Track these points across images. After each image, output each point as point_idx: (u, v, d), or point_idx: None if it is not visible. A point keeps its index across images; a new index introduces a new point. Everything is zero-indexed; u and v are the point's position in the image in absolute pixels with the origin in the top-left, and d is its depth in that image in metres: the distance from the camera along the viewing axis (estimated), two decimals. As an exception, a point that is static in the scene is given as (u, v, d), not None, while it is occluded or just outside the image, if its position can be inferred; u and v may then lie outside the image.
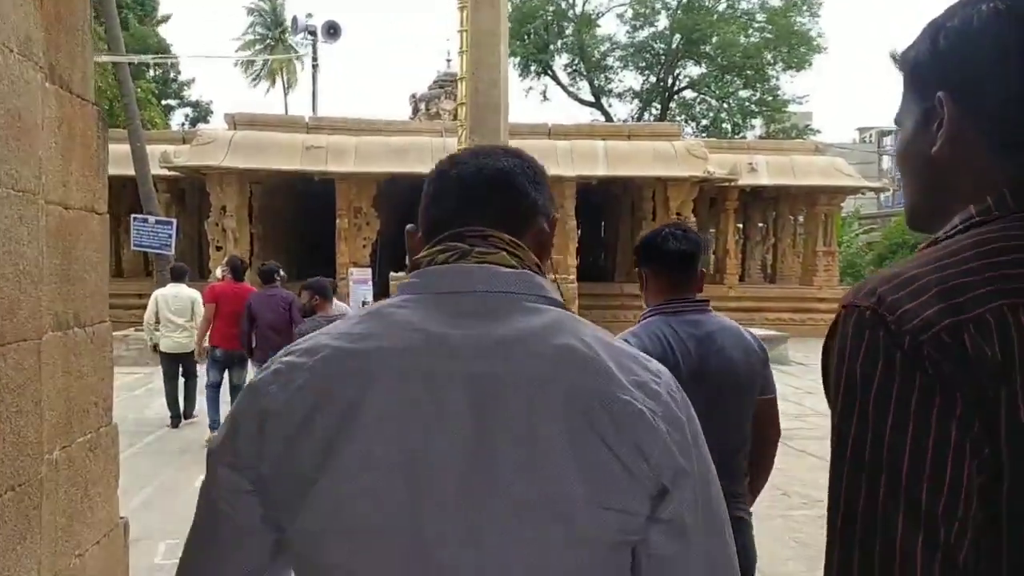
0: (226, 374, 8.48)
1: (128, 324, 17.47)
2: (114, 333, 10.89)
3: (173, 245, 15.61)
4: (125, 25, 24.66)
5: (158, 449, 8.07)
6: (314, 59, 25.93)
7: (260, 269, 8.74)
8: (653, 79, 37.87)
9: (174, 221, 15.84)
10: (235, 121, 18.50)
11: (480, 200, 1.07)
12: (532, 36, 35.69)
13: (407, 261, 1.15)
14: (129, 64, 16.52)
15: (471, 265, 1.01)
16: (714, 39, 34.31)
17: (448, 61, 34.08)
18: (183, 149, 18.25)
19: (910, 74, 0.97)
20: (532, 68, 37.31)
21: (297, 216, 21.54)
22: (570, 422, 0.90)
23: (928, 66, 0.93)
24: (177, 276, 9.44)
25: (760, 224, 24.57)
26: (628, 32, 36.73)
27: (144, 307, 18.87)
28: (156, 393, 11.26)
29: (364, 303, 17.28)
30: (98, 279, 3.07)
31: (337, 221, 18.59)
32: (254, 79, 48.91)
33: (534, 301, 1.00)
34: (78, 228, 2.89)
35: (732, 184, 19.46)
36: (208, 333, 8.46)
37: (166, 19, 38.27)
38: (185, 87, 37.36)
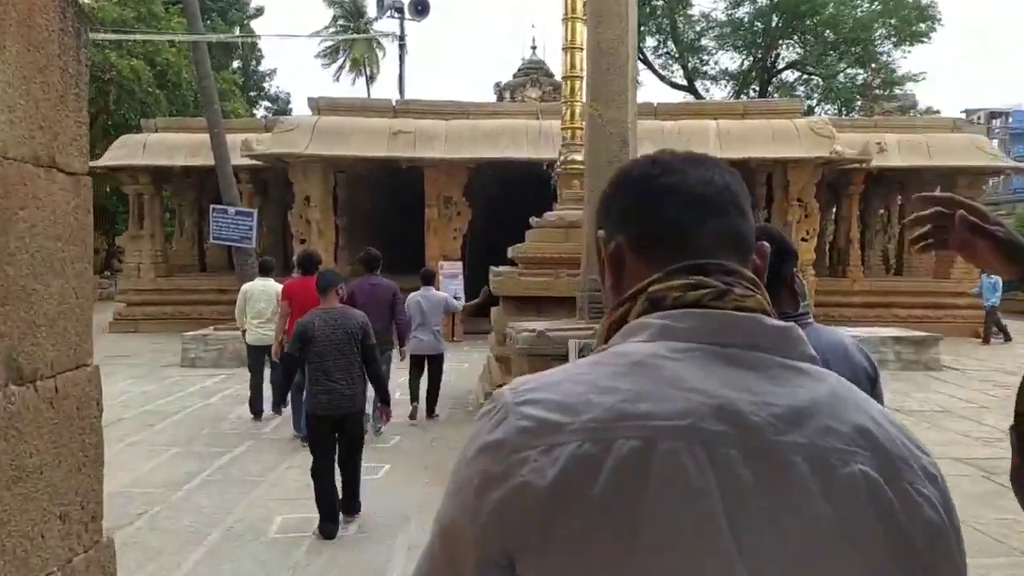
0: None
1: (210, 321, 16.66)
2: (192, 333, 10.10)
3: (254, 238, 14.63)
4: (204, 13, 24.03)
5: (231, 476, 6.88)
6: (401, 39, 24.76)
7: (364, 257, 8.53)
8: (750, 60, 35.77)
9: (254, 212, 14.88)
10: (319, 106, 17.44)
11: (712, 222, 0.94)
12: (622, 17, 33.88)
13: (605, 276, 0.99)
14: (209, 48, 15.60)
15: (741, 315, 0.88)
16: (818, 15, 31.95)
17: (533, 49, 32.78)
18: (265, 137, 17.29)
19: None
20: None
21: (383, 206, 20.46)
22: (878, 510, 0.80)
23: None
24: (265, 270, 9.50)
25: (881, 211, 22.40)
26: (725, 10, 34.63)
27: (225, 302, 18.20)
28: (233, 400, 10.21)
29: (456, 297, 16.06)
30: (67, 289, 1.71)
31: (426, 211, 17.39)
32: (336, 70, 48.60)
33: (799, 359, 0.88)
34: (15, 197, 1.52)
35: (858, 167, 17.47)
36: (284, 331, 8.15)
37: (259, 13, 37.99)
38: (267, 77, 36.95)
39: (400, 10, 23.18)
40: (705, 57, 36.71)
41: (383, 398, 6.06)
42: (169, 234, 22.81)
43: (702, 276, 0.90)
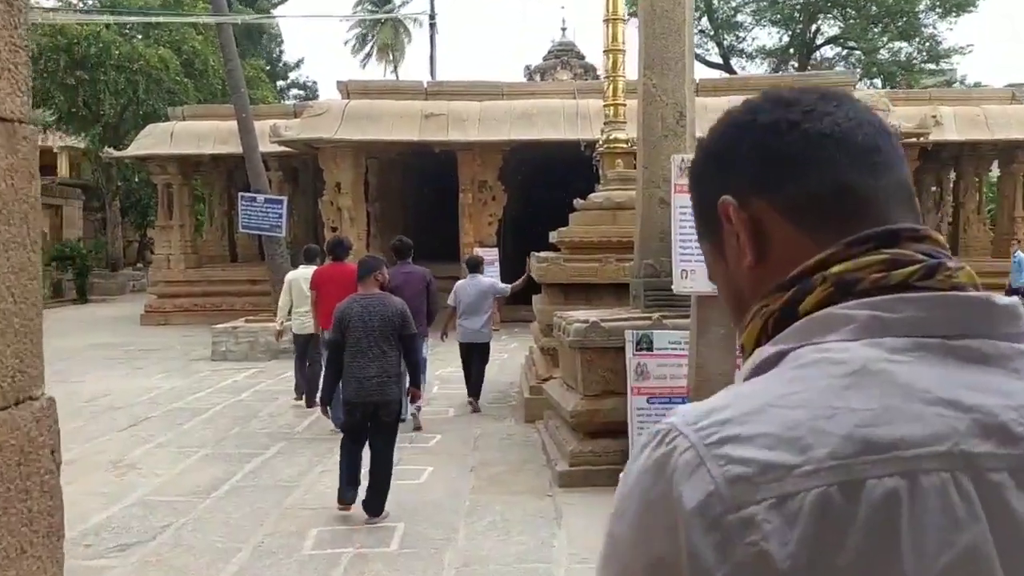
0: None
1: (241, 313, 16.29)
2: (222, 325, 9.78)
3: (284, 226, 14.16)
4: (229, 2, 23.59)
5: (262, 482, 6.39)
6: (431, 17, 24.13)
7: (396, 244, 8.45)
8: (788, 36, 34.77)
9: (284, 199, 14.40)
10: (348, 89, 16.93)
11: (885, 177, 0.76)
12: (655, -6, 33.02)
13: (735, 253, 0.79)
14: (234, 28, 15.11)
15: (970, 297, 0.71)
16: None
17: (563, 30, 32.06)
18: (294, 123, 16.81)
19: None
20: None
21: (416, 192, 19.97)
22: None
23: None
24: (309, 258, 9.26)
25: (933, 188, 21.47)
26: (764, -17, 33.59)
27: (256, 293, 17.82)
28: (264, 396, 9.78)
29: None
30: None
31: (460, 196, 16.82)
32: (363, 58, 48.30)
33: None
34: None
35: (914, 141, 16.59)
36: (317, 318, 8.23)
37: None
38: (295, 67, 36.61)
39: (430, -11, 22.58)
40: (741, 34, 35.78)
41: (413, 381, 5.95)
42: (200, 224, 22.51)
43: (897, 249, 0.72)
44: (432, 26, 23.97)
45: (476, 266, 9.28)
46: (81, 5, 28.58)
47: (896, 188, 0.76)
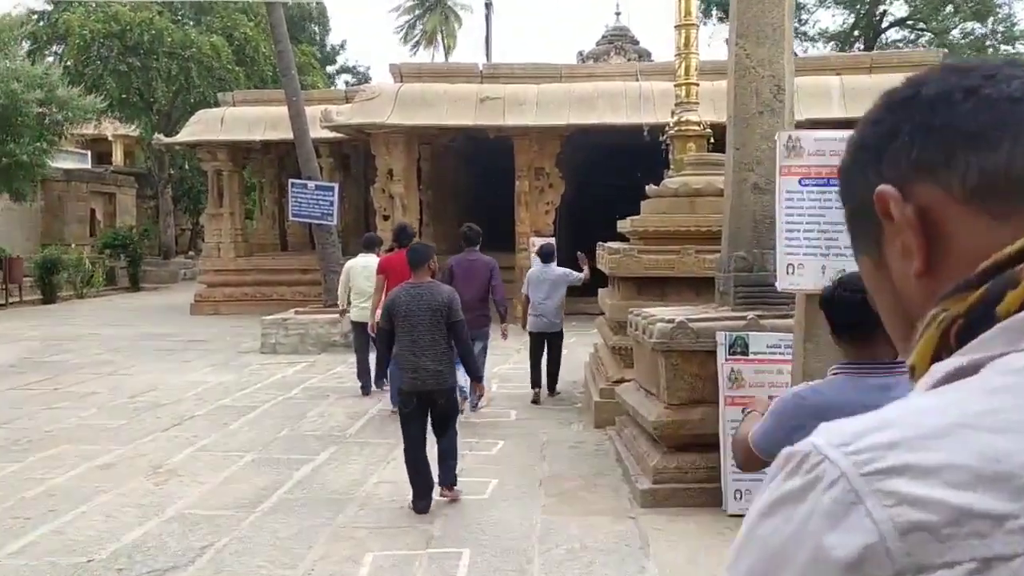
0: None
1: (291, 303, 15.90)
2: (272, 317, 9.22)
3: (336, 214, 13.66)
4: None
5: (312, 493, 5.82)
6: (487, -3, 23.54)
7: (465, 231, 8.47)
8: (853, 17, 33.41)
9: (335, 187, 13.88)
10: (401, 72, 16.37)
11: None
12: (713, -25, 32.15)
13: (897, 253, 0.64)
14: (284, 6, 14.62)
15: None
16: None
17: (617, 14, 31.20)
18: (345, 108, 16.30)
19: None
20: (714, 12, 33.72)
21: (470, 179, 19.34)
22: None
23: None
24: (368, 246, 9.35)
25: (1015, 176, 20.23)
26: (829, -37, 32.32)
27: (307, 283, 17.43)
28: (315, 394, 9.26)
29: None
30: None
31: (516, 183, 16.16)
32: (413, 44, 47.86)
33: None
34: None
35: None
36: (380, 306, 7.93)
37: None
38: (340, 50, 36.30)
39: (486, -34, 21.92)
40: (803, 16, 34.44)
41: (472, 374, 6.02)
42: (250, 212, 22.23)
43: None
44: (488, 6, 23.32)
45: (548, 255, 8.98)
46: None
47: None
